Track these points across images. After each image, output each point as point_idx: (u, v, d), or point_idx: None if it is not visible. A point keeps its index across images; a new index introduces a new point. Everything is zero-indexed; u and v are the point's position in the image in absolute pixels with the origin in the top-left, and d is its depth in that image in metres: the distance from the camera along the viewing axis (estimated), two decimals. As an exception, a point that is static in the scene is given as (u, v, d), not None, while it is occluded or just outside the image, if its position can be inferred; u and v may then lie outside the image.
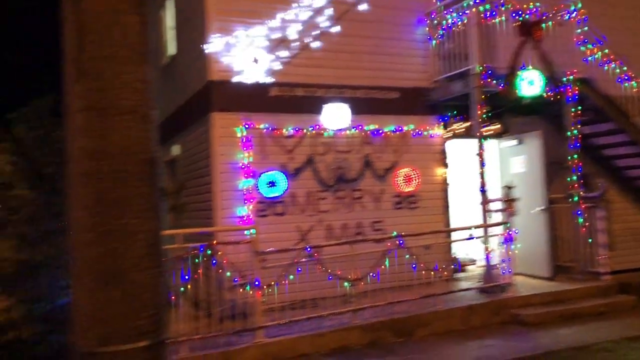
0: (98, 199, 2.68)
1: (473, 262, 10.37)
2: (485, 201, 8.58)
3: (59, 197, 5.90)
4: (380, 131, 9.25)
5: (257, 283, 6.47)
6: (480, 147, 8.70)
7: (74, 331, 2.77)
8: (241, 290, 6.66)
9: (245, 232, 7.57)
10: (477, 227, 8.34)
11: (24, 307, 5.53)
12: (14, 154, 6.07)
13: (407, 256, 7.51)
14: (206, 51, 8.30)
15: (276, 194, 8.47)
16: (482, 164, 8.67)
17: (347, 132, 9.02)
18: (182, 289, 6.14)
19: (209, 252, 6.42)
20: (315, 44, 8.75)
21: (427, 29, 9.73)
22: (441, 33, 9.55)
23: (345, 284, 7.19)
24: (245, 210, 8.23)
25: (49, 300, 5.73)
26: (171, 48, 10.95)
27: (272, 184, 8.45)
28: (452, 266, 9.29)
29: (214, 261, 6.54)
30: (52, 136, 6.07)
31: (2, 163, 5.84)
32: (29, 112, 5.99)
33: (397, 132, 9.38)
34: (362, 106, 9.04)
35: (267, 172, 8.42)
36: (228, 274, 6.69)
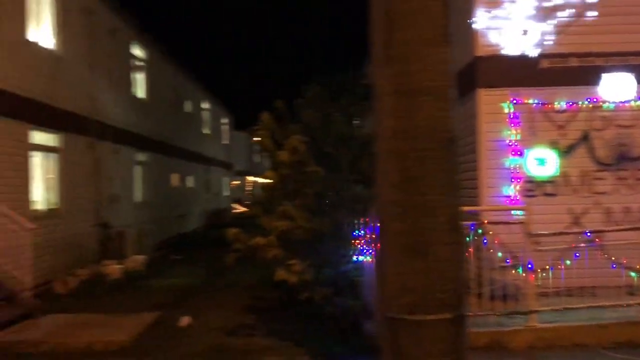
0: (403, 175, 2.84)
1: None
2: None
3: (338, 174, 6.47)
4: (674, 102, 8.02)
5: (530, 266, 6.21)
6: None
7: (381, 297, 3.01)
8: (513, 271, 6.47)
9: (512, 212, 7.33)
10: None
11: (314, 271, 6.23)
12: (304, 134, 6.84)
13: None
14: (472, 27, 8.15)
15: (546, 173, 7.99)
16: None
17: (632, 104, 8.03)
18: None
19: (480, 231, 6.36)
20: (592, 8, 7.92)
21: None
22: None
23: (632, 274, 6.47)
24: (511, 189, 7.94)
25: (333, 267, 6.38)
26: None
27: (541, 162, 7.99)
28: None
29: (485, 240, 6.46)
30: (331, 118, 6.67)
31: (298, 142, 6.59)
32: (313, 96, 6.68)
33: (697, 102, 8.02)
34: (651, 74, 7.93)
35: (535, 149, 7.98)
36: (499, 254, 6.55)
